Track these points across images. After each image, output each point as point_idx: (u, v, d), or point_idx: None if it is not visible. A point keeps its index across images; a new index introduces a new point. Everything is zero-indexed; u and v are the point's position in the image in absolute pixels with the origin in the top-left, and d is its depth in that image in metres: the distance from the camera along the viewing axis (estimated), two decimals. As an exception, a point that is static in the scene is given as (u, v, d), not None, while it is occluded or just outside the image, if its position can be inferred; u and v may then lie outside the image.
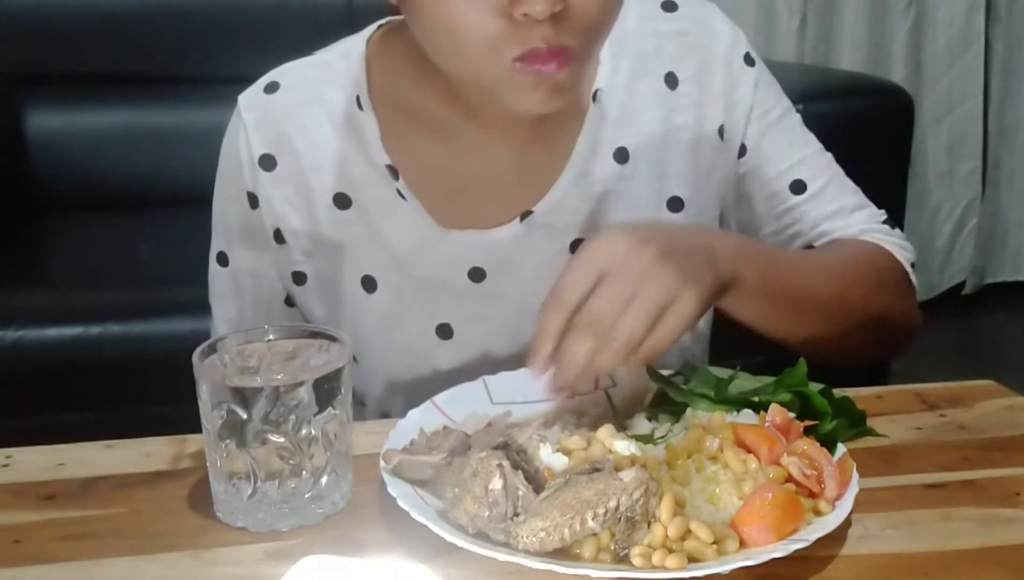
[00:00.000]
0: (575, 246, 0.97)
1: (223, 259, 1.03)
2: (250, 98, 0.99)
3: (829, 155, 1.04)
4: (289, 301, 1.03)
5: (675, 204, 0.99)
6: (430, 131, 0.96)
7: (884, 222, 1.04)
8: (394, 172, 0.95)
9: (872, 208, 1.05)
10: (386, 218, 0.96)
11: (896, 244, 1.02)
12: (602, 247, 0.78)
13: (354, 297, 0.98)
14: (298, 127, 0.96)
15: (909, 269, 1.03)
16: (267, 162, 0.97)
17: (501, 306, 0.97)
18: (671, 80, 0.98)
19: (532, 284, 0.96)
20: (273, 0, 2.46)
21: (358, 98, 0.96)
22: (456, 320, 0.98)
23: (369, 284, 0.98)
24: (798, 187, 1.01)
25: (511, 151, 0.96)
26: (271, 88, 0.98)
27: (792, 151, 1.01)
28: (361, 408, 1.04)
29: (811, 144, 1.03)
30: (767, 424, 0.75)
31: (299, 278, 1.00)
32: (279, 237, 0.98)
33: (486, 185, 0.97)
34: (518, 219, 0.96)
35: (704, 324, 1.06)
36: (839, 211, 1.02)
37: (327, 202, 0.97)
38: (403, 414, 0.81)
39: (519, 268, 0.97)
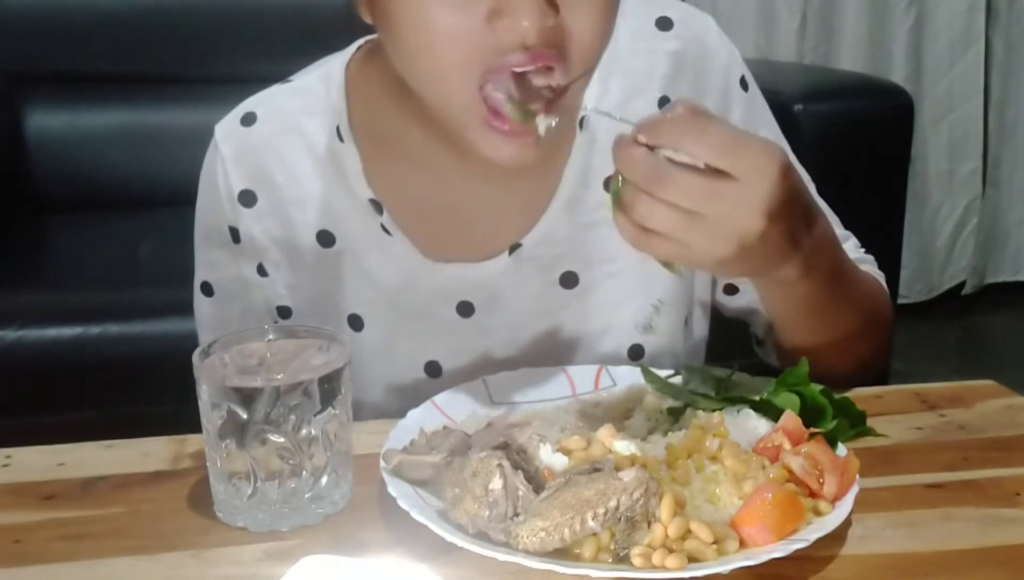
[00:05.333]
0: (565, 279, 0.95)
1: (207, 289, 1.00)
2: (227, 130, 0.96)
3: (813, 185, 1.02)
4: None
5: None
6: (413, 161, 0.93)
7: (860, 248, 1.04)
8: (378, 206, 0.93)
9: (853, 238, 1.04)
10: (371, 253, 0.94)
11: (879, 275, 1.02)
12: (758, 159, 0.70)
13: None
14: (277, 161, 0.94)
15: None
16: (247, 197, 0.95)
17: (489, 341, 0.95)
18: (664, 105, 0.93)
19: (521, 318, 0.95)
20: (273, 1, 2.47)
21: (338, 128, 0.94)
22: (444, 357, 0.96)
23: (356, 322, 0.96)
24: None
25: (497, 181, 0.93)
26: (248, 120, 0.96)
27: None
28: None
29: (800, 172, 1.00)
30: (778, 430, 0.75)
31: (284, 313, 0.98)
32: (262, 271, 0.97)
33: (473, 216, 0.94)
34: (507, 252, 0.94)
35: (700, 331, 1.04)
36: None
37: (310, 239, 0.95)
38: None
39: (508, 302, 0.95)
